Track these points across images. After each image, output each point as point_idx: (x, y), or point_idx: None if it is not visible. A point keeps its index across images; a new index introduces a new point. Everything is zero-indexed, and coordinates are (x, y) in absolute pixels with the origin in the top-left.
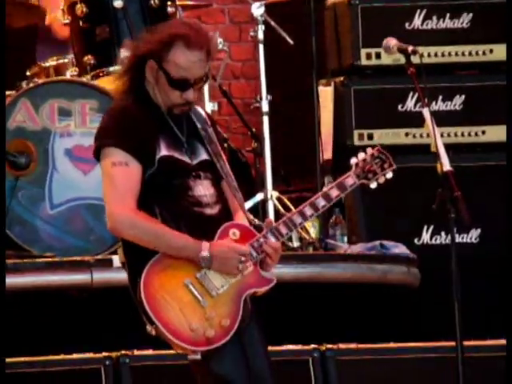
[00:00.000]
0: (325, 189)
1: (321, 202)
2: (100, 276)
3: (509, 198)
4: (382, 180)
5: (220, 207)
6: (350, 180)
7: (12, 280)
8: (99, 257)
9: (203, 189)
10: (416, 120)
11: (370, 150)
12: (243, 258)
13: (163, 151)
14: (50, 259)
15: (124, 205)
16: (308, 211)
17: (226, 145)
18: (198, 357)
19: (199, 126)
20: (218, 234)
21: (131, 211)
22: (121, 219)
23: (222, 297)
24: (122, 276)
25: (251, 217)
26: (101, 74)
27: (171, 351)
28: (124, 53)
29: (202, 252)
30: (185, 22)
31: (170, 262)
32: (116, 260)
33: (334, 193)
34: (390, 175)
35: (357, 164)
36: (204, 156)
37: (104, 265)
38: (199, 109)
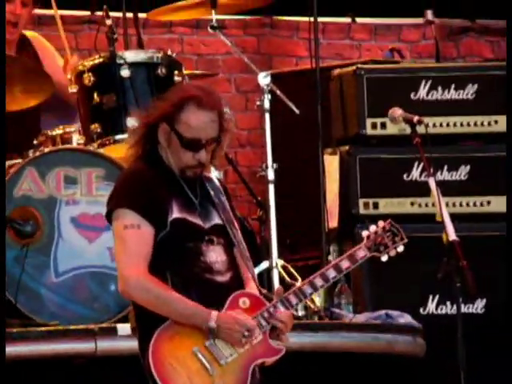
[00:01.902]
0: (336, 260)
1: (331, 274)
2: (104, 344)
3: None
4: (393, 253)
5: (231, 274)
6: (362, 252)
7: (16, 349)
8: (104, 325)
9: (215, 255)
10: (422, 189)
11: (381, 223)
12: (246, 333)
13: (175, 213)
14: (54, 328)
15: (136, 268)
16: (318, 282)
17: None
18: None
19: (212, 193)
20: (227, 303)
21: (143, 275)
22: (132, 283)
23: (230, 366)
24: (127, 344)
25: (260, 287)
26: (107, 143)
27: None
28: (131, 121)
29: (209, 322)
30: (196, 84)
31: (179, 328)
32: (121, 329)
33: (345, 264)
34: (401, 249)
35: (368, 236)
36: (217, 220)
37: (108, 333)
38: (213, 177)
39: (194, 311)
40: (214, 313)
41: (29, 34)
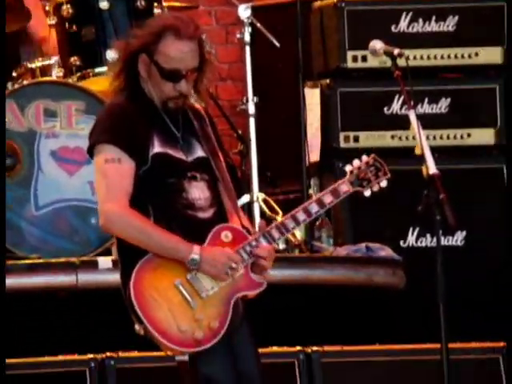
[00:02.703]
0: (318, 195)
1: (314, 208)
2: (85, 277)
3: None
4: (376, 188)
5: (214, 210)
6: (345, 187)
7: None
8: (84, 258)
9: (198, 192)
10: (402, 122)
11: (364, 158)
12: (234, 265)
13: (157, 148)
14: (34, 261)
15: (116, 202)
16: (301, 216)
17: None
18: (186, 358)
19: (196, 123)
20: (209, 236)
21: (123, 209)
22: (113, 216)
23: (211, 299)
24: (108, 277)
25: (246, 220)
26: (87, 76)
27: (156, 353)
28: (111, 54)
29: (191, 254)
30: (174, 14)
31: (160, 261)
32: (101, 261)
33: (328, 199)
34: (384, 184)
35: (351, 171)
36: (200, 153)
37: (89, 266)
38: (197, 106)
39: (177, 244)
40: (197, 246)
41: None
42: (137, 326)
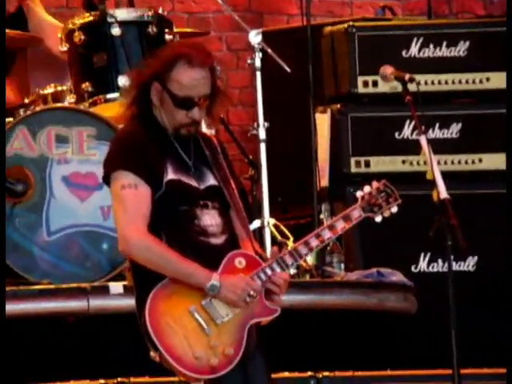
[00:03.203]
0: (330, 221)
1: (326, 234)
2: (96, 303)
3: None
4: (387, 214)
5: (226, 237)
6: (356, 213)
7: (8, 307)
8: (96, 284)
9: (210, 219)
10: (413, 148)
11: (375, 184)
12: (252, 292)
13: (170, 175)
14: (46, 286)
15: (136, 227)
16: (313, 242)
17: None
18: None
19: (207, 152)
20: (223, 262)
21: (143, 234)
22: (133, 241)
23: (226, 325)
24: (119, 303)
25: (258, 246)
26: (98, 102)
27: (168, 378)
28: (122, 80)
29: (212, 280)
30: (186, 41)
31: (175, 288)
32: (113, 287)
33: (340, 225)
34: (395, 209)
35: (362, 197)
36: (211, 181)
37: (100, 292)
38: (209, 134)
39: (195, 270)
40: (215, 273)
41: None
42: (152, 353)
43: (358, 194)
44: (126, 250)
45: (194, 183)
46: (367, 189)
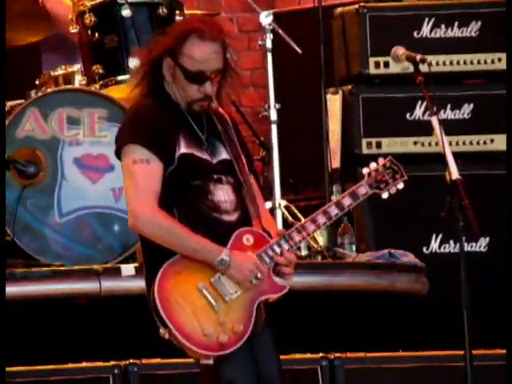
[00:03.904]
0: (337, 197)
1: (333, 211)
2: (108, 285)
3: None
4: (393, 190)
5: (239, 214)
6: (363, 189)
7: (20, 289)
8: (107, 265)
9: (223, 194)
10: (424, 128)
11: (381, 161)
12: (259, 275)
13: (183, 149)
14: (57, 268)
15: (146, 202)
16: (321, 219)
17: None
18: (211, 361)
19: (220, 127)
20: (231, 239)
21: (153, 209)
22: (142, 216)
23: (235, 302)
24: (130, 284)
25: (271, 222)
26: (109, 83)
27: (179, 360)
28: (133, 62)
29: (222, 255)
30: (197, 17)
31: (185, 265)
32: (124, 269)
33: (347, 202)
34: (401, 186)
35: (369, 173)
36: (224, 155)
37: (112, 273)
38: (221, 110)
39: (205, 245)
40: (226, 249)
41: None
42: (161, 330)
43: (365, 170)
44: (135, 224)
45: (207, 157)
46: (373, 165)
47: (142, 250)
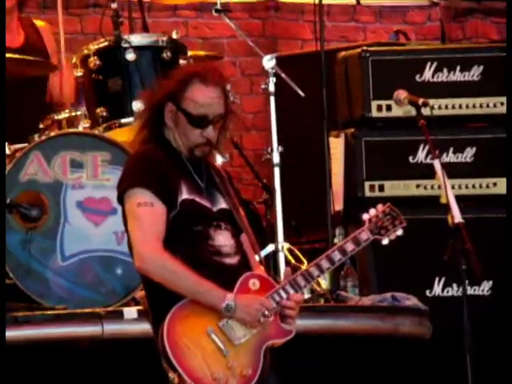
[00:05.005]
0: (340, 243)
1: (337, 256)
2: (111, 328)
3: None
4: (393, 236)
5: (239, 258)
6: (365, 235)
7: (23, 332)
8: (110, 309)
9: (223, 239)
10: (427, 172)
11: (380, 207)
12: (266, 312)
13: (185, 194)
14: (60, 311)
15: (152, 244)
16: (325, 264)
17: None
18: None
19: (217, 179)
20: (238, 284)
21: (159, 251)
22: (150, 259)
23: (243, 346)
24: (133, 328)
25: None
26: (113, 126)
27: None
28: (137, 105)
29: (226, 300)
30: (199, 63)
31: (192, 309)
32: (127, 312)
33: (350, 247)
34: (400, 232)
35: (370, 219)
36: (223, 205)
37: (115, 317)
38: (217, 165)
39: (210, 289)
40: (230, 293)
41: (39, 23)
42: (171, 375)
43: (365, 216)
44: (141, 267)
45: (207, 204)
46: (373, 212)
47: (147, 295)
